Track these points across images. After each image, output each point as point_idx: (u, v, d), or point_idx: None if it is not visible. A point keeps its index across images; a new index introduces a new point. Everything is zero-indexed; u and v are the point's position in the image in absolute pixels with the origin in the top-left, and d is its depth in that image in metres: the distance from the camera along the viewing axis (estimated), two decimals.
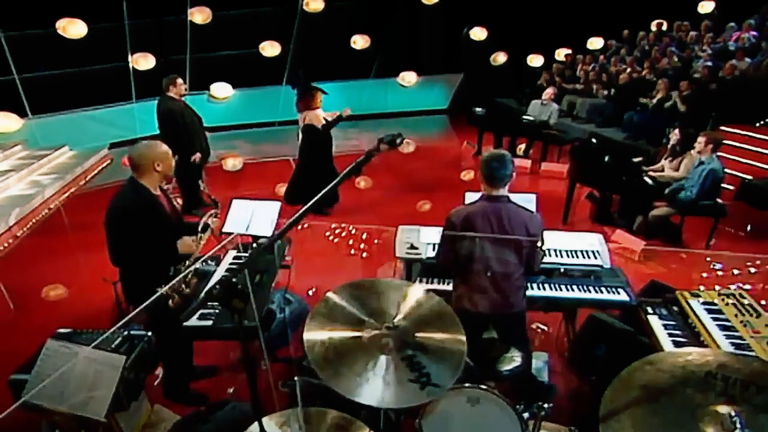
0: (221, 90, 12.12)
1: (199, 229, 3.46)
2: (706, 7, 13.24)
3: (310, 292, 4.90)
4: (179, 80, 6.25)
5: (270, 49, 11.95)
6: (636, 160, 6.99)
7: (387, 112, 13.58)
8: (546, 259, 3.55)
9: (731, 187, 7.59)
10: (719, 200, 5.92)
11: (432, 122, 13.72)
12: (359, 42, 12.59)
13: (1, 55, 9.56)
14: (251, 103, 12.43)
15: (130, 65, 10.84)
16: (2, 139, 9.39)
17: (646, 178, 5.97)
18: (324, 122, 6.51)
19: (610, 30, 13.32)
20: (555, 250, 3.64)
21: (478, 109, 9.20)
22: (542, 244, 2.95)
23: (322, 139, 6.56)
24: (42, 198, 7.60)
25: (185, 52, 11.53)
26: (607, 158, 6.02)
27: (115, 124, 10.90)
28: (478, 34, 13.34)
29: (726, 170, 7.78)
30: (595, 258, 3.56)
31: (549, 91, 8.82)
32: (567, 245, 3.69)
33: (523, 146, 9.20)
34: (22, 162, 8.49)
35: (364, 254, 5.89)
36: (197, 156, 6.35)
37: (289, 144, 6.84)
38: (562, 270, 3.60)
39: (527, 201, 3.92)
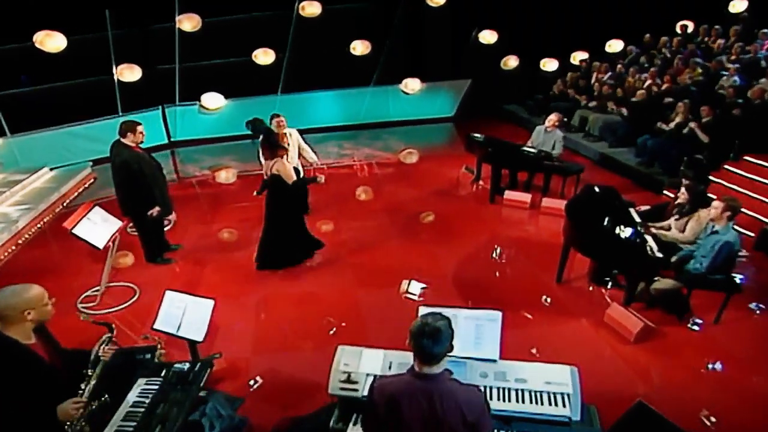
0: (212, 100, 11.62)
1: (90, 363, 2.98)
2: (737, 6, 12.18)
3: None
4: (139, 128, 5.72)
5: (263, 56, 11.35)
6: (643, 209, 6.31)
7: (389, 121, 12.98)
8: (504, 406, 3.01)
9: (752, 234, 6.86)
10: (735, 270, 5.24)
11: (437, 131, 13.03)
12: (359, 48, 11.91)
13: None
14: (244, 114, 11.84)
15: (115, 77, 10.38)
16: None
17: (650, 242, 5.28)
18: (295, 177, 5.87)
19: (632, 33, 12.36)
20: (517, 392, 3.06)
21: (477, 135, 8.50)
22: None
23: (292, 193, 5.95)
24: (9, 234, 7.22)
25: (174, 61, 11.04)
26: (606, 220, 5.35)
27: (100, 140, 10.31)
28: (488, 37, 12.51)
29: (747, 212, 7.10)
30: (564, 405, 2.98)
31: (552, 119, 8.05)
32: (532, 382, 3.10)
33: None
34: None
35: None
36: (155, 211, 5.86)
37: None
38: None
39: (491, 319, 3.37)
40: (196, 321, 3.80)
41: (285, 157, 5.96)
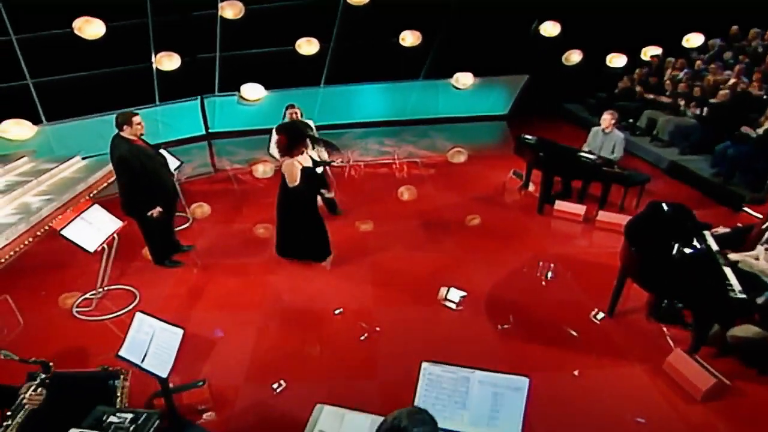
0: (252, 91, 11.22)
1: (12, 409, 2.47)
2: None
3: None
4: (136, 118, 5.26)
5: (307, 46, 10.85)
6: (719, 231, 5.27)
7: (438, 117, 12.21)
8: None
9: None
10: None
11: (489, 130, 12.12)
12: (409, 38, 11.22)
13: (14, 58, 9.08)
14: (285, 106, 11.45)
15: (154, 66, 10.13)
16: (15, 148, 8.98)
17: (731, 277, 4.30)
18: (297, 181, 5.28)
19: (716, 24, 10.98)
20: None
21: (529, 137, 7.59)
22: None
23: (296, 195, 5.40)
24: (27, 225, 6.99)
25: (214, 50, 10.70)
26: (676, 247, 4.41)
27: None
28: (549, 29, 11.49)
29: None
30: None
31: (606, 118, 7.05)
32: None
33: None
34: (20, 179, 7.96)
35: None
36: (156, 211, 5.39)
37: None
38: None
39: (515, 388, 2.59)
40: (163, 352, 3.22)
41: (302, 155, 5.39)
